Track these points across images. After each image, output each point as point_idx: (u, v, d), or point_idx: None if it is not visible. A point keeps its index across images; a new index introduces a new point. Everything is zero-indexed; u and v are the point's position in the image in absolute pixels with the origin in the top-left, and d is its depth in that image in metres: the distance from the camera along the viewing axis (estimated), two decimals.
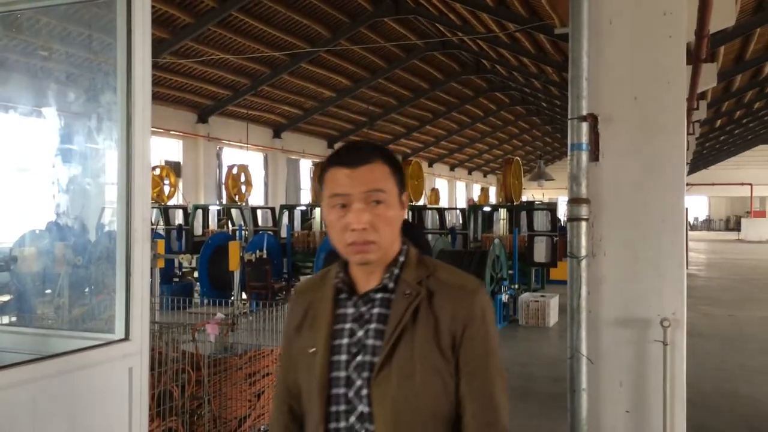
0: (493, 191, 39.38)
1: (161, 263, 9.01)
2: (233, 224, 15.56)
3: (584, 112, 3.99)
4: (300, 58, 18.84)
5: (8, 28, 4.09)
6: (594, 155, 4.04)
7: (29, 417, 2.34)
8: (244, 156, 21.53)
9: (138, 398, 2.79)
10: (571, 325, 4.00)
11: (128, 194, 2.76)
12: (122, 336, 2.75)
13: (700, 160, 35.81)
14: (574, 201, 4.04)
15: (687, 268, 19.35)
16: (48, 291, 3.47)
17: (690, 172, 31.95)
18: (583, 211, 4.02)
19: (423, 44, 20.41)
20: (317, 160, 19.40)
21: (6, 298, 3.81)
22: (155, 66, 16.52)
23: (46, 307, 3.44)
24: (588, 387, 3.98)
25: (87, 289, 3.28)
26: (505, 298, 10.45)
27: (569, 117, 4.15)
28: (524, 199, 15.73)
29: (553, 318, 10.52)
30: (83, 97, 3.40)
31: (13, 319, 3.62)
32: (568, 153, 4.17)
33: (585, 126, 4.01)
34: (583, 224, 4.02)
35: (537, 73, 20.80)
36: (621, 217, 3.98)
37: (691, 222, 46.87)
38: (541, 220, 12.58)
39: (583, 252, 3.99)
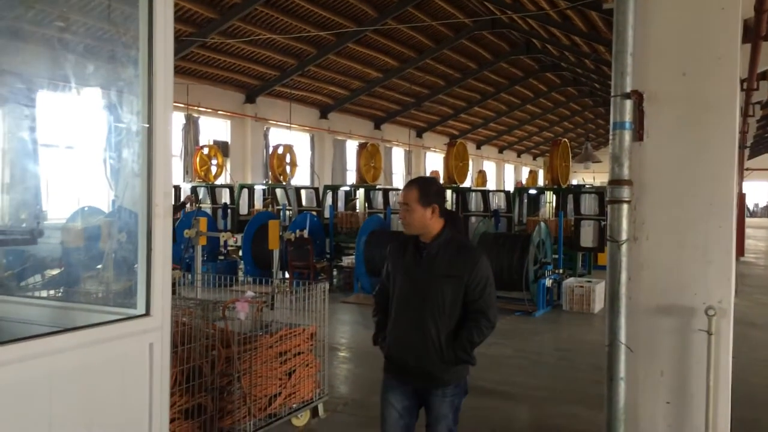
0: (542, 174, 38.73)
1: (203, 240, 9.13)
2: (278, 204, 15.66)
3: (628, 89, 3.80)
4: (346, 38, 18.74)
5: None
6: (638, 134, 3.85)
7: (47, 389, 2.35)
8: (291, 136, 21.65)
9: (159, 374, 2.79)
10: (610, 311, 3.83)
11: (149, 168, 2.73)
12: (143, 311, 2.74)
13: (761, 144, 34.30)
14: (616, 182, 3.86)
15: (743, 255, 18.62)
16: (70, 266, 3.51)
17: (750, 157, 30.61)
18: (625, 193, 3.84)
19: (472, 23, 20.02)
20: (364, 141, 19.33)
21: (34, 272, 3.87)
22: (204, 46, 16.71)
23: (73, 281, 3.47)
24: (627, 376, 3.82)
25: (112, 266, 3.29)
26: (548, 282, 10.22)
27: (612, 94, 3.96)
28: (573, 182, 15.32)
29: (598, 304, 10.25)
30: (105, 68, 3.39)
31: (45, 292, 3.68)
32: (611, 132, 3.99)
33: (629, 104, 3.82)
34: (625, 207, 3.84)
35: (589, 52, 20.19)
36: (665, 200, 3.79)
37: (751, 208, 45.03)
38: (589, 204, 12.23)
39: (624, 236, 3.82)
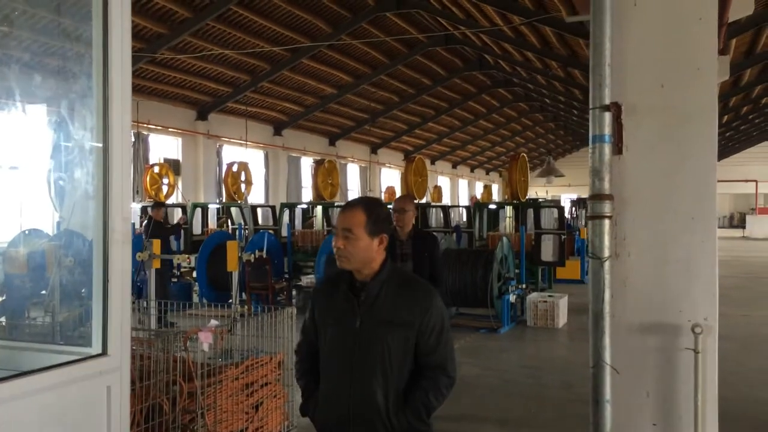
0: (496, 189, 39.09)
1: (157, 264, 8.71)
2: (233, 223, 15.25)
3: (607, 101, 3.69)
4: (300, 54, 18.52)
5: None
6: (617, 148, 3.74)
7: None
8: (245, 154, 21.23)
9: (117, 418, 2.50)
10: (594, 331, 3.68)
11: (105, 191, 2.46)
12: (99, 351, 2.44)
13: (720, 153, 35.44)
14: (596, 197, 3.73)
15: None
16: (12, 297, 3.18)
17: None
18: (606, 208, 3.71)
19: (425, 39, 20.08)
20: (318, 158, 19.06)
21: None
22: (153, 62, 16.24)
23: (16, 313, 3.14)
24: (612, 398, 3.68)
25: (59, 296, 2.99)
26: (512, 298, 10.13)
27: (591, 107, 3.85)
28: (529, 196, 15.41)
29: (562, 319, 10.22)
30: (55, 83, 3.11)
31: None
32: (590, 145, 3.87)
33: (608, 116, 3.70)
34: (606, 222, 3.71)
35: (542, 68, 20.47)
36: (647, 215, 3.68)
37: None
38: (547, 218, 12.26)
39: (606, 252, 3.68)
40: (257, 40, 17.00)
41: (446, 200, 32.90)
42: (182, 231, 12.62)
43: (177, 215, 15.29)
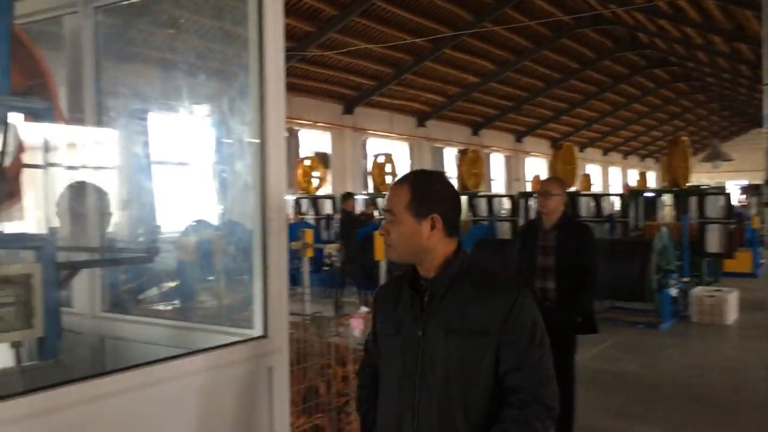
0: (651, 176, 36.72)
1: (310, 252, 9.09)
2: (380, 213, 15.59)
3: None
4: (443, 44, 18.49)
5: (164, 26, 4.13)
6: None
7: (168, 413, 2.22)
8: (389, 145, 21.60)
9: (278, 397, 2.62)
10: None
11: (263, 183, 2.58)
12: (261, 333, 2.58)
13: None
14: None
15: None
16: (184, 282, 3.43)
17: None
18: None
19: (572, 21, 19.25)
20: (463, 148, 18.96)
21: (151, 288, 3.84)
22: (303, 60, 16.96)
23: (187, 297, 3.39)
24: None
25: (227, 283, 3.18)
26: (674, 292, 9.44)
27: (765, 82, 3.48)
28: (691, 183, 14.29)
29: (731, 315, 9.38)
30: (215, 85, 3.30)
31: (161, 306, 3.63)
32: (764, 124, 3.50)
33: None
34: None
35: (702, 44, 18.89)
36: None
37: None
38: (712, 206, 11.30)
39: None
40: (400, 33, 17.19)
41: (596, 189, 31.42)
42: (373, 224, 12.47)
43: (327, 207, 15.90)
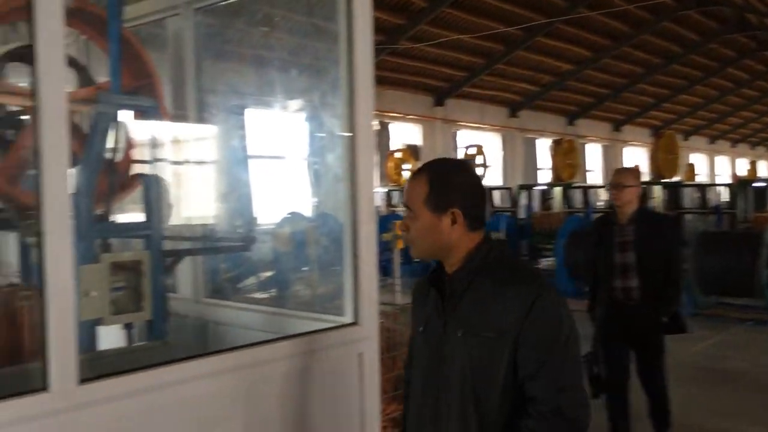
0: (763, 165, 34.39)
1: (401, 244, 9.17)
2: None
3: None
4: (535, 32, 18.08)
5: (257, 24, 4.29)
6: None
7: (261, 394, 2.33)
8: (480, 137, 21.38)
9: (369, 383, 2.69)
10: None
11: (353, 175, 2.65)
12: (351, 320, 2.65)
13: None
14: None
15: None
16: (279, 271, 3.57)
17: None
18: None
19: (674, 2, 18.30)
20: (557, 138, 18.45)
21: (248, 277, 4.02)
22: (394, 53, 17.06)
23: (282, 286, 3.53)
24: None
25: (318, 271, 3.28)
26: None
27: None
28: None
29: None
30: (307, 80, 3.40)
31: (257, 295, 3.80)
32: None
33: None
34: None
35: None
36: None
37: None
38: None
39: None
40: (491, 22, 16.95)
41: (701, 179, 29.79)
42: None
43: None
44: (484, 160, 15.35)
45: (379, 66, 17.68)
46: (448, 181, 1.78)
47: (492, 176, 19.94)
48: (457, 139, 21.76)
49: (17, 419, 1.72)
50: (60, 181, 1.80)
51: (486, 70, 19.75)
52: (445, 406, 1.78)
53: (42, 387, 1.77)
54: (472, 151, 15.35)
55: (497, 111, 23.17)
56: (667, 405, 4.25)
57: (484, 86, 21.30)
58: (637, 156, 29.57)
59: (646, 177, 14.29)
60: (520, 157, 24.24)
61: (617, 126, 29.02)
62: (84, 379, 1.83)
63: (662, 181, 11.94)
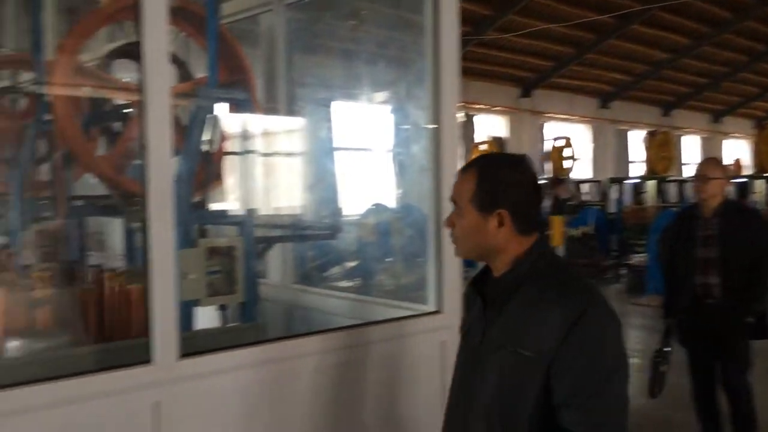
0: None
1: None
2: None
3: None
4: (630, 20, 17.38)
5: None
6: None
7: (347, 377, 2.42)
8: (569, 128, 20.84)
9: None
10: None
11: (438, 167, 2.69)
12: (434, 309, 2.70)
13: None
14: None
15: None
16: (364, 260, 3.65)
17: None
18: None
19: None
20: (652, 129, 17.74)
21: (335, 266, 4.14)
22: (480, 44, 16.89)
23: (366, 274, 3.61)
24: None
25: (401, 261, 3.34)
26: None
27: None
28: None
29: None
30: (393, 72, 3.46)
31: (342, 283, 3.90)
32: None
33: None
34: None
35: None
36: None
37: None
38: None
39: None
40: (582, 11, 16.43)
41: None
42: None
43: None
44: (573, 152, 14.95)
45: (464, 57, 17.41)
46: (497, 179, 1.62)
47: (581, 169, 19.41)
48: (544, 130, 21.30)
49: (125, 388, 1.88)
50: (164, 170, 1.93)
51: (575, 59, 19.19)
52: (473, 420, 1.62)
53: (146, 360, 1.92)
54: (560, 143, 14.98)
55: (587, 102, 22.47)
56: (752, 414, 3.99)
57: (573, 76, 20.70)
58: (738, 149, 27.96)
59: (748, 171, 13.53)
60: (611, 149, 23.43)
61: (717, 117, 27.53)
62: (184, 354, 1.97)
63: (765, 175, 11.27)
